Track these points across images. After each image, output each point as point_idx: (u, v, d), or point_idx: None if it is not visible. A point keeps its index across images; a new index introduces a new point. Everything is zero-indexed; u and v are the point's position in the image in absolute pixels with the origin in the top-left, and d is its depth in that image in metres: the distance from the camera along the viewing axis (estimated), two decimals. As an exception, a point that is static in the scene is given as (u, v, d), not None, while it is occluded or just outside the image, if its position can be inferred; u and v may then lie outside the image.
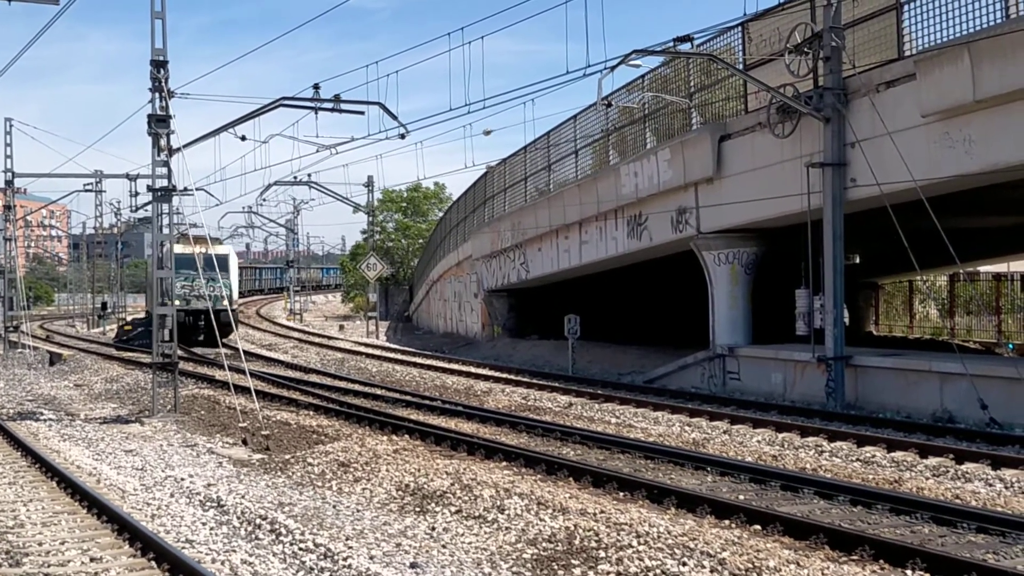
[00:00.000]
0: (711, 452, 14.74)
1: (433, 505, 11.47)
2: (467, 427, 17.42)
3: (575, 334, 27.37)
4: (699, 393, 21.90)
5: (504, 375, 26.49)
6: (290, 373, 28.09)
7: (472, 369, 28.24)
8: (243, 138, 22.16)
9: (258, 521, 10.65)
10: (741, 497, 11.56)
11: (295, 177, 47.74)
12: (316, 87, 20.67)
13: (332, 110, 20.75)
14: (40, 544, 9.96)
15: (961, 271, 30.69)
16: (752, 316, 23.37)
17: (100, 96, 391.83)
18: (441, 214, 58.64)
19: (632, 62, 20.35)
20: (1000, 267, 35.55)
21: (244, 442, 16.35)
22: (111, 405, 22.06)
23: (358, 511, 11.38)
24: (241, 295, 60.45)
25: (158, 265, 20.95)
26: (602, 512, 10.74)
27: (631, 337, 31.48)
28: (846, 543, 9.33)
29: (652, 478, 12.55)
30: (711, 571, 8.70)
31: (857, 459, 14.25)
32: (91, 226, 66.58)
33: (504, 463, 13.91)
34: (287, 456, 14.91)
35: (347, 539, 9.94)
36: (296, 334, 46.74)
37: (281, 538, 9.97)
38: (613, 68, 19.51)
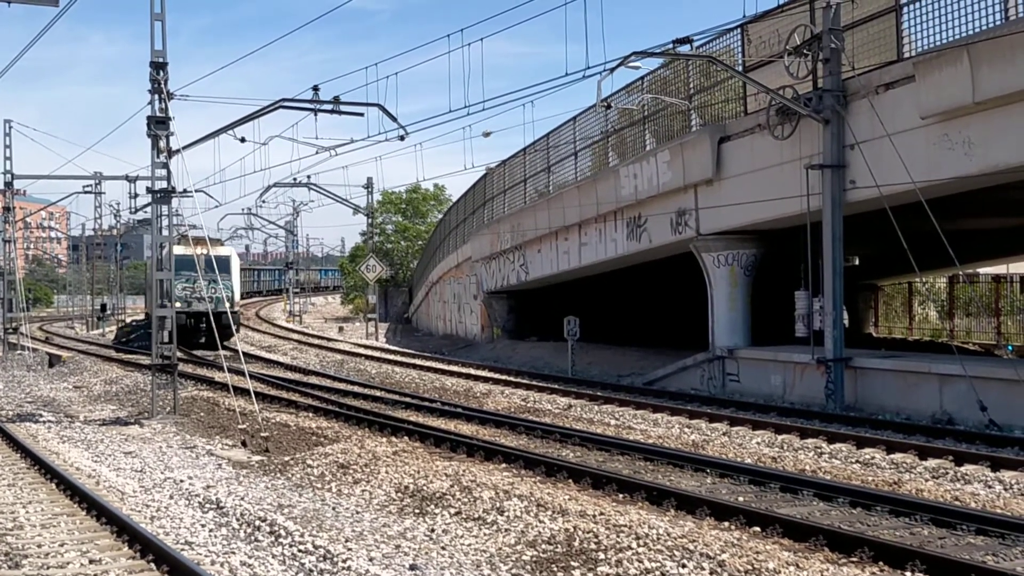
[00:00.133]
0: (710, 454, 14.74)
1: (432, 507, 11.47)
2: (466, 429, 17.41)
3: (574, 336, 27.39)
4: (698, 395, 21.91)
5: (503, 377, 26.48)
6: (289, 375, 28.09)
7: (471, 371, 28.24)
8: (243, 140, 22.13)
9: (257, 523, 10.64)
10: (740, 499, 11.55)
11: (295, 179, 48.08)
12: (316, 89, 20.67)
13: (332, 112, 20.74)
14: (39, 546, 9.95)
15: (960, 273, 30.72)
16: (751, 318, 23.37)
17: (100, 98, 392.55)
18: (440, 216, 58.62)
19: (631, 64, 20.34)
20: (1000, 269, 35.52)
21: (243, 444, 16.35)
22: (110, 407, 22.05)
23: (357, 513, 11.38)
24: (242, 297, 60.39)
25: (158, 267, 20.98)
26: (601, 514, 10.74)
27: (630, 339, 31.49)
28: (845, 545, 9.33)
29: (651, 480, 12.54)
30: (710, 573, 8.70)
31: (856, 461, 14.26)
32: (90, 228, 66.59)
33: (503, 465, 13.90)
34: (286, 458, 14.91)
35: (346, 541, 9.93)
36: (295, 336, 46.72)
37: (280, 540, 9.96)
38: (612, 70, 19.51)
